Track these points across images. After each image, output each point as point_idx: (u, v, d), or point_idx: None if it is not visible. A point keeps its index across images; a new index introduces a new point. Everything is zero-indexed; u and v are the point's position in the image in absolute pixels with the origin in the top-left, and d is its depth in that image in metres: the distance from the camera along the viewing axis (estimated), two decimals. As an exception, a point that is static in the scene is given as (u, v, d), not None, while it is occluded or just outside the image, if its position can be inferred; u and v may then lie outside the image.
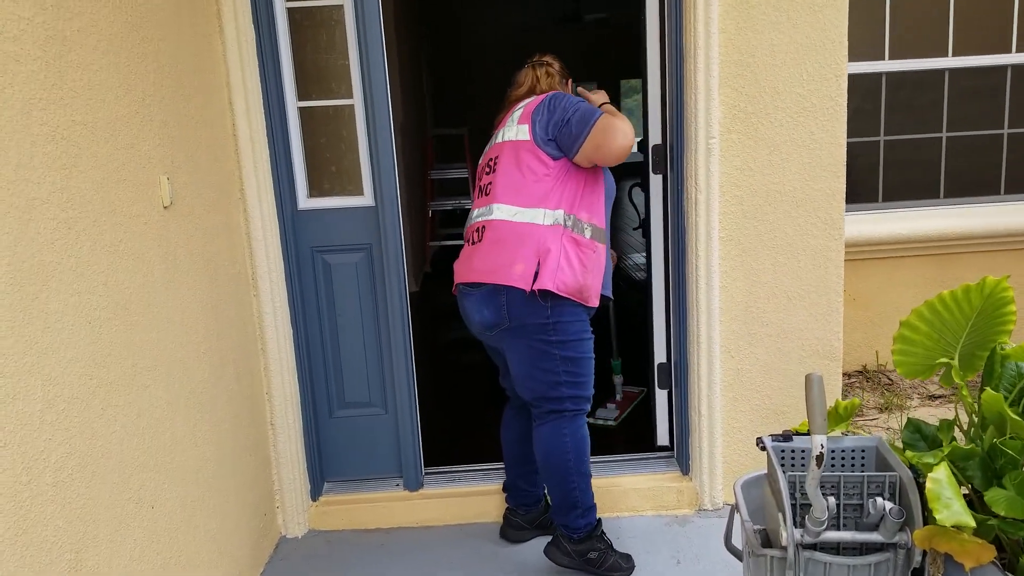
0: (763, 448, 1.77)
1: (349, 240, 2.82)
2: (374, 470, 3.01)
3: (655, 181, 2.93)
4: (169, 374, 2.02)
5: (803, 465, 1.78)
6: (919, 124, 4.15)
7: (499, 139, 2.41)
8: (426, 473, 3.01)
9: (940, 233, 4.05)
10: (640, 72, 2.94)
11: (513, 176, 2.30)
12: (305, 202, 2.81)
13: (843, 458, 1.76)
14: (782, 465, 1.79)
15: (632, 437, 3.24)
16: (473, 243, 2.37)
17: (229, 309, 2.51)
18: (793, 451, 1.78)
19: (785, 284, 2.79)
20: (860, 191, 4.14)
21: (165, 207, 2.08)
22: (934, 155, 4.18)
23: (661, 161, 2.88)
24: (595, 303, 2.37)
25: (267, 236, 2.71)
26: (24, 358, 1.39)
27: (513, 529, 2.73)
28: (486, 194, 2.37)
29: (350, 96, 2.74)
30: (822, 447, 1.48)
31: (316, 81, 2.77)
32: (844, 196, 2.74)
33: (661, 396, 3.07)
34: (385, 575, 2.64)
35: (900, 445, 1.76)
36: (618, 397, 3.68)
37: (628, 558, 2.54)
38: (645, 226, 3.08)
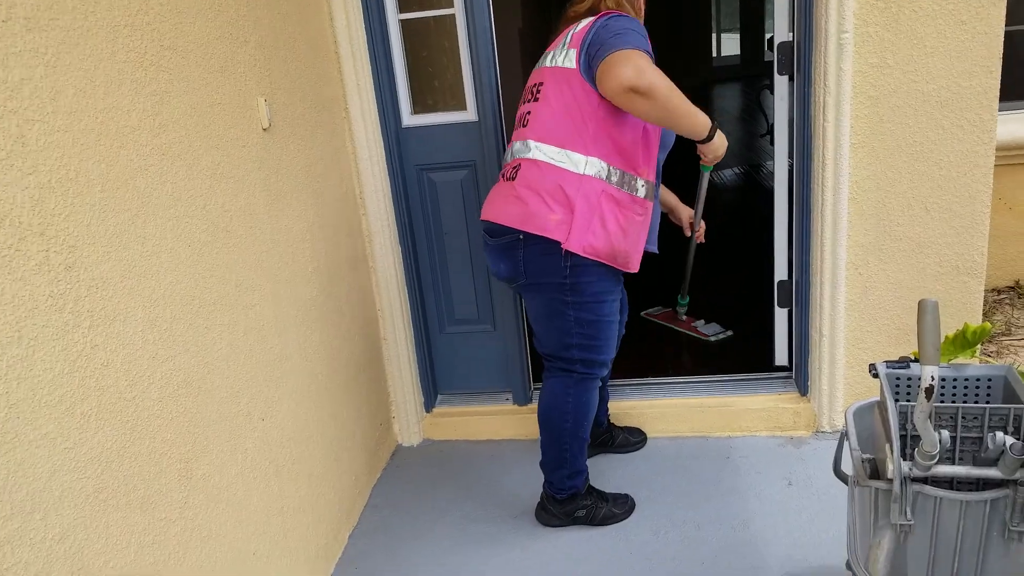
0: (875, 375, 1.63)
1: (453, 157, 2.78)
2: (484, 384, 3.05)
3: (780, 83, 2.70)
4: (275, 293, 2.08)
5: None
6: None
7: (546, 63, 2.12)
8: (534, 388, 3.02)
9: (1122, 131, 3.55)
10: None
11: (555, 110, 2.03)
12: (409, 119, 2.78)
13: (967, 388, 1.60)
14: (897, 393, 1.65)
15: (749, 357, 3.10)
16: (507, 179, 2.12)
17: (337, 228, 2.55)
18: (910, 379, 1.63)
19: (923, 194, 2.53)
20: (1017, 87, 3.67)
21: (264, 129, 2.10)
22: (1121, 40, 3.63)
23: (787, 60, 2.64)
24: (635, 268, 2.14)
25: (372, 155, 2.71)
26: (123, 281, 1.46)
27: None
28: (524, 125, 2.11)
29: (451, 5, 2.65)
30: (932, 379, 1.34)
31: (418, -9, 2.69)
32: (998, 95, 2.43)
33: (781, 315, 2.91)
34: (497, 481, 2.70)
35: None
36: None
37: (624, 500, 2.45)
38: (772, 133, 2.86)
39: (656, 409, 2.88)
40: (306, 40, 2.40)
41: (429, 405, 3.03)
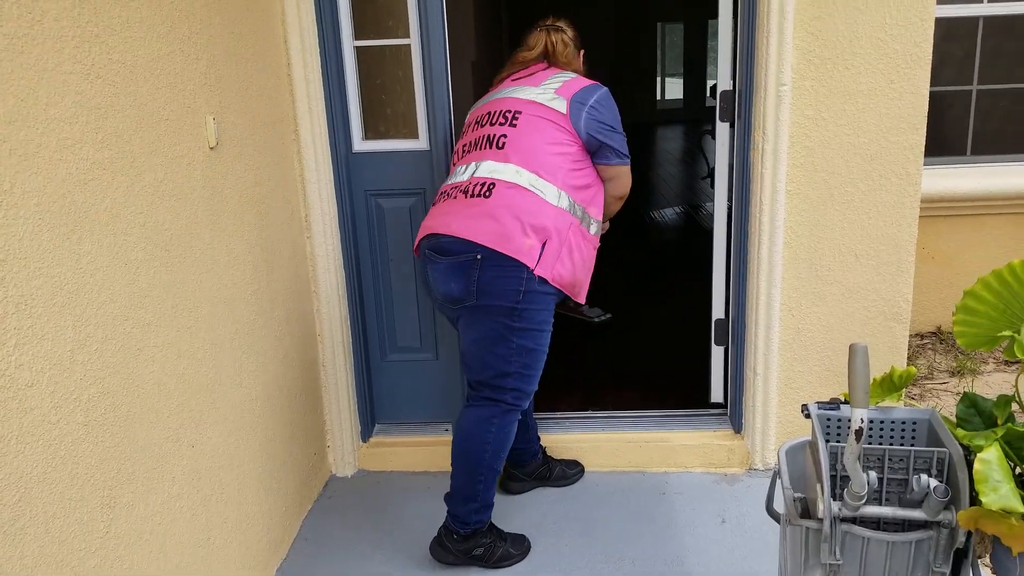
0: (807, 415, 1.68)
1: (403, 184, 2.79)
2: (424, 415, 3.03)
3: (722, 129, 2.79)
4: (213, 315, 2.04)
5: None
6: (1015, 73, 3.82)
7: (518, 94, 2.24)
8: (474, 420, 3.01)
9: (1034, 190, 3.76)
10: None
11: (537, 142, 2.14)
12: (360, 144, 2.78)
13: (892, 430, 1.65)
14: (827, 434, 1.70)
15: (685, 393, 3.16)
16: (473, 195, 2.14)
17: (281, 251, 2.52)
18: (840, 420, 1.69)
19: (853, 241, 2.63)
20: (947, 143, 3.87)
21: (211, 148, 2.08)
22: (1036, 105, 3.86)
23: (729, 108, 2.74)
24: (582, 299, 2.28)
25: (321, 178, 2.70)
26: (54, 299, 1.42)
27: (514, 482, 2.75)
28: (499, 147, 2.18)
29: (407, 35, 2.68)
30: (862, 421, 1.39)
31: (373, 19, 2.71)
32: (923, 150, 2.55)
33: (717, 352, 2.97)
34: (429, 515, 2.67)
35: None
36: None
37: (521, 541, 2.44)
38: (713, 176, 2.95)
39: (595, 443, 2.90)
40: (259, 61, 2.39)
41: (366, 435, 2.99)
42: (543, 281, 2.12)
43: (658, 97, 14.98)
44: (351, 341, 2.88)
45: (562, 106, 2.17)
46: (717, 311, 2.93)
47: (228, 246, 2.16)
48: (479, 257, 2.08)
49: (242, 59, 2.27)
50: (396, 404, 3.03)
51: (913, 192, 2.58)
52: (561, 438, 2.91)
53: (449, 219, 2.15)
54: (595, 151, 2.22)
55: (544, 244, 2.09)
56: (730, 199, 2.80)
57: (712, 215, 2.91)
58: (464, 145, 2.28)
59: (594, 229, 2.25)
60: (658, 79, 14.74)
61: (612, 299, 4.48)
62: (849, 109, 2.53)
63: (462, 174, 2.21)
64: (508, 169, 2.13)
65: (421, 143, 2.75)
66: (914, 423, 1.63)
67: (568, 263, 2.14)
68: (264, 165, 2.42)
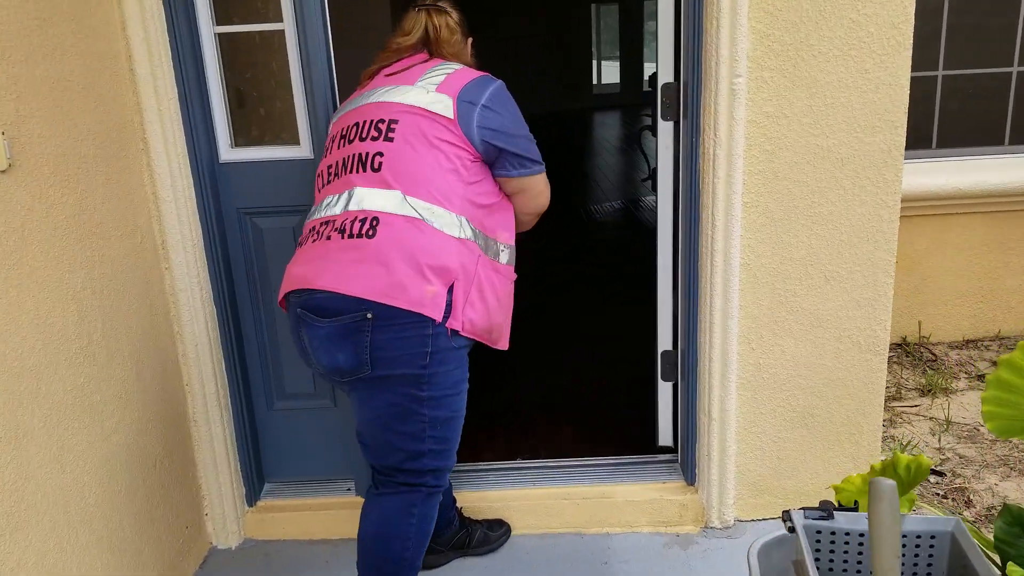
0: (791, 528, 1.27)
1: (284, 200, 2.29)
2: (321, 471, 2.55)
3: (664, 129, 2.36)
4: (11, 391, 1.54)
5: (846, 552, 1.27)
6: (986, 57, 3.49)
7: (391, 96, 1.73)
8: (382, 477, 2.55)
9: (1003, 187, 3.44)
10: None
11: (423, 157, 1.65)
12: (228, 153, 2.28)
13: (904, 546, 1.25)
14: (817, 551, 1.29)
15: (629, 436, 2.74)
16: (353, 235, 1.64)
17: (124, 290, 2.01)
18: (834, 532, 1.27)
19: (822, 261, 2.24)
20: (911, 136, 3.52)
21: (2, 171, 1.56)
22: (1002, 94, 3.53)
23: (672, 105, 2.31)
24: (504, 345, 1.83)
25: (179, 196, 2.19)
26: None
27: (428, 555, 2.25)
28: (375, 169, 1.67)
29: (279, 19, 2.18)
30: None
31: (240, 0, 2.20)
32: (903, 152, 2.17)
33: (665, 389, 2.56)
34: (325, 605, 2.21)
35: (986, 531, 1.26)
36: None
37: None
38: (655, 180, 2.52)
39: (523, 500, 2.46)
40: (84, 54, 1.86)
41: (252, 498, 2.50)
42: (455, 334, 1.68)
43: (594, 81, 14.60)
44: (228, 390, 2.38)
45: (447, 108, 1.68)
46: (664, 342, 2.52)
47: (36, 295, 1.65)
48: (370, 316, 1.60)
49: (54, 51, 1.75)
50: (287, 460, 2.54)
51: (892, 203, 2.19)
52: (483, 495, 2.46)
53: (323, 267, 1.65)
54: (494, 161, 1.75)
55: (451, 288, 1.63)
56: (676, 212, 2.38)
57: (653, 209, 2.49)
58: (330, 166, 1.77)
59: (506, 257, 1.81)
60: (594, 63, 14.34)
61: (540, 315, 4.04)
62: (816, 105, 2.12)
63: (333, 206, 1.71)
64: (392, 197, 1.64)
65: (303, 150, 2.25)
66: (932, 537, 1.22)
67: (480, 306, 1.70)
68: (95, 186, 1.90)
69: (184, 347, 2.28)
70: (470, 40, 1.95)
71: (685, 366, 2.42)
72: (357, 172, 1.68)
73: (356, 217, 1.65)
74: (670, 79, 2.31)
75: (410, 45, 1.85)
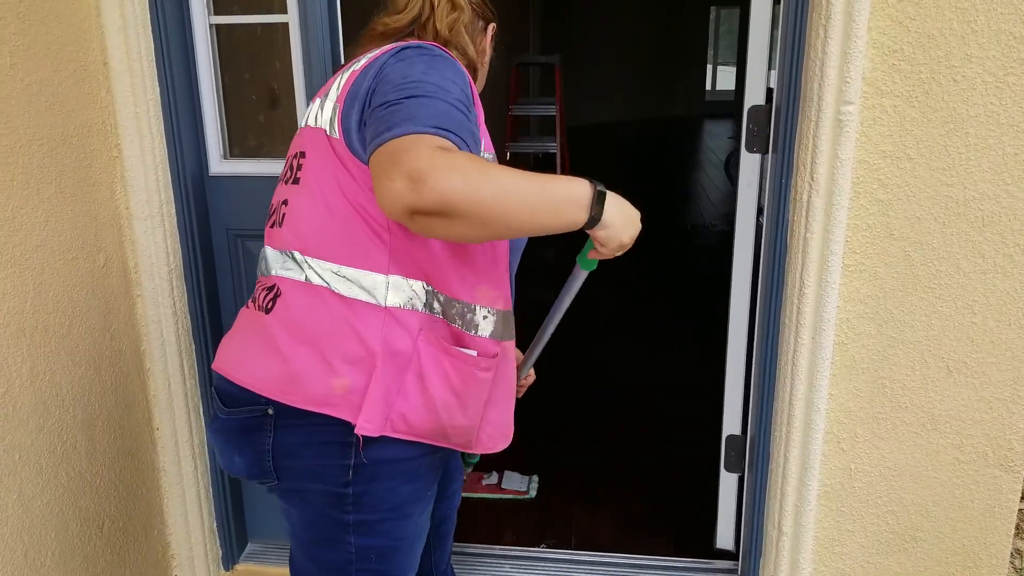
0: None
1: (282, 223, 1.94)
2: (314, 536, 2.19)
3: (749, 163, 1.89)
4: None
5: None
6: None
7: (308, 117, 1.26)
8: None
9: None
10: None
11: (321, 202, 1.17)
12: (220, 165, 1.94)
13: None
14: None
15: (682, 528, 2.27)
16: (258, 307, 1.23)
17: (74, 323, 1.70)
18: None
19: (945, 347, 1.71)
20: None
21: None
22: None
23: (761, 133, 1.83)
24: (489, 447, 1.30)
25: (156, 213, 1.87)
26: None
27: None
28: (278, 223, 1.24)
29: (283, 10, 1.82)
30: None
31: (240, -16, 1.86)
32: (1071, 215, 1.62)
33: (729, 481, 2.08)
34: None
35: None
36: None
37: None
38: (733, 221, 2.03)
39: (543, 601, 2.04)
40: (31, 44, 1.55)
41: (230, 560, 2.16)
42: (387, 441, 1.19)
43: (708, 88, 13.84)
44: (204, 435, 2.06)
45: (336, 121, 1.16)
46: (731, 424, 2.04)
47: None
48: (270, 412, 1.20)
49: (5, 38, 1.45)
50: (276, 515, 2.19)
51: (1049, 282, 1.64)
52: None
53: (228, 342, 1.27)
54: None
55: (370, 378, 1.16)
56: (755, 268, 1.89)
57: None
58: (269, 207, 1.34)
59: (488, 328, 1.25)
60: (708, 67, 13.59)
61: (590, 356, 3.56)
62: (953, 145, 1.60)
63: (262, 265, 1.29)
64: (290, 260, 1.21)
65: (303, 167, 1.89)
66: None
67: (419, 399, 1.18)
68: (37, 202, 1.59)
69: (155, 387, 1.96)
70: (491, 27, 1.39)
71: (755, 457, 1.94)
72: (272, 225, 1.27)
73: (264, 284, 1.25)
74: (761, 100, 1.83)
75: (397, 28, 1.30)
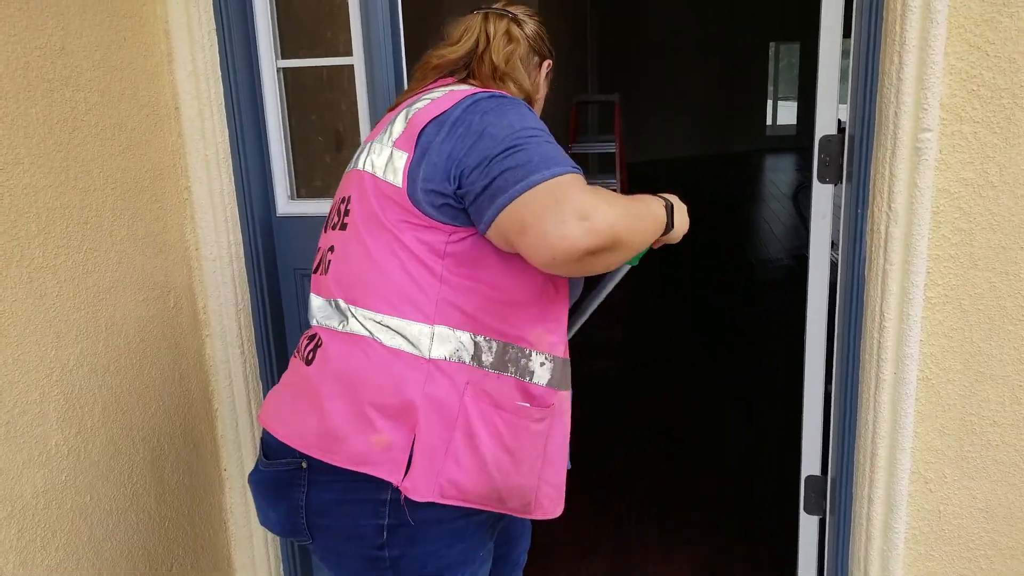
0: None
1: (346, 262, 1.94)
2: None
3: (822, 194, 1.84)
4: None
5: None
6: None
7: (358, 162, 1.22)
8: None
9: None
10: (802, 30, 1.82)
11: (368, 249, 1.14)
12: (287, 206, 1.96)
13: None
14: None
15: (760, 572, 2.18)
16: (303, 359, 1.20)
17: (145, 364, 1.71)
18: None
19: (1038, 383, 1.63)
20: None
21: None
22: None
23: (833, 164, 1.78)
24: (547, 512, 1.21)
25: (224, 254, 1.89)
26: None
27: None
28: (324, 271, 1.21)
29: (348, 52, 1.84)
30: None
31: (308, 29, 1.90)
32: None
33: (809, 524, 1.99)
34: None
35: None
36: None
37: None
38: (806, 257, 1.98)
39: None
40: (106, 90, 1.60)
41: (295, 606, 2.14)
42: (431, 504, 1.12)
43: (768, 123, 13.80)
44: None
45: (398, 171, 1.12)
46: (810, 464, 1.95)
47: (11, 379, 1.36)
48: (304, 466, 1.15)
49: (61, 88, 1.49)
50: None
51: None
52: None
53: (273, 397, 1.24)
54: (479, 211, 1.07)
55: (414, 437, 1.10)
56: (831, 303, 1.83)
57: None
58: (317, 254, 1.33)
59: (545, 375, 1.17)
60: (768, 102, 13.55)
61: (676, 383, 3.51)
62: (1039, 171, 1.54)
63: (310, 313, 1.27)
64: (332, 311, 1.17)
65: (368, 206, 1.90)
66: None
67: (471, 461, 1.11)
68: (109, 244, 1.62)
69: (223, 427, 1.97)
70: (546, 63, 1.36)
71: (836, 499, 1.85)
72: (317, 272, 1.24)
73: (307, 333, 1.22)
74: (832, 130, 1.79)
75: (452, 60, 1.27)
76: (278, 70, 1.89)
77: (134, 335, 1.68)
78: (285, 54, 1.89)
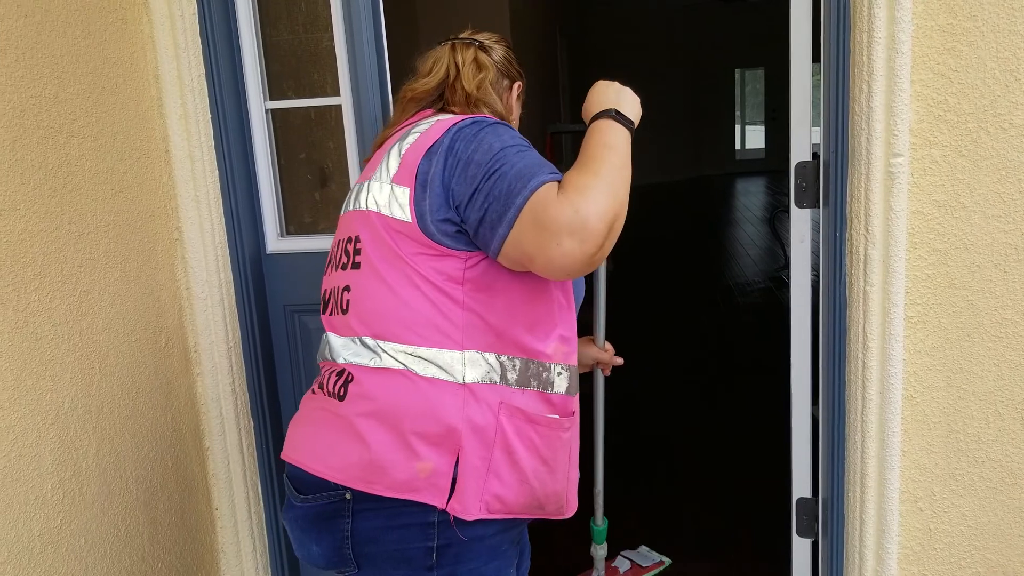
0: None
1: (337, 298, 1.97)
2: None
3: (800, 218, 1.88)
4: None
5: None
6: None
7: (360, 198, 1.25)
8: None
9: None
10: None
11: (389, 285, 1.17)
12: (276, 243, 1.99)
13: None
14: None
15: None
16: (329, 394, 1.22)
17: (138, 404, 1.72)
18: None
19: (1018, 397, 1.66)
20: None
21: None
22: None
23: (810, 189, 1.83)
24: (571, 511, 1.30)
25: (214, 293, 1.91)
26: None
27: None
28: (342, 310, 1.23)
29: (336, 92, 1.89)
30: None
31: (293, 71, 1.94)
32: None
33: (802, 548, 2.00)
34: None
35: None
36: None
37: None
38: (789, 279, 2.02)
39: None
40: (99, 135, 1.63)
41: (290, 645, 2.12)
42: (476, 521, 1.18)
43: (737, 147, 14.04)
44: (264, 517, 2.04)
45: (404, 205, 1.16)
46: (801, 487, 1.97)
47: (8, 421, 1.36)
48: (348, 497, 1.18)
49: (55, 136, 1.52)
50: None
51: (1125, 326, 1.59)
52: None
53: (300, 431, 1.26)
54: (487, 235, 1.11)
55: (457, 459, 1.16)
56: (815, 324, 1.86)
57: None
58: (323, 294, 1.36)
59: (563, 384, 1.24)
60: (737, 127, 13.80)
61: (660, 409, 3.52)
62: (1007, 192, 1.59)
63: (325, 351, 1.30)
64: (360, 348, 1.20)
65: (357, 243, 1.93)
66: None
67: (513, 476, 1.18)
68: (102, 287, 1.64)
69: (214, 466, 1.97)
70: (516, 85, 1.42)
71: (828, 521, 1.87)
72: (332, 312, 1.28)
73: (332, 370, 1.24)
74: (807, 156, 1.84)
75: (426, 92, 1.33)
76: (267, 111, 1.93)
77: (126, 376, 1.69)
78: (273, 95, 1.93)
